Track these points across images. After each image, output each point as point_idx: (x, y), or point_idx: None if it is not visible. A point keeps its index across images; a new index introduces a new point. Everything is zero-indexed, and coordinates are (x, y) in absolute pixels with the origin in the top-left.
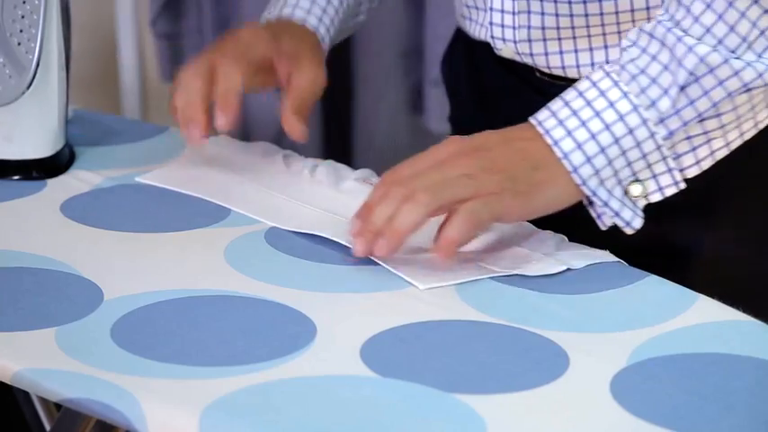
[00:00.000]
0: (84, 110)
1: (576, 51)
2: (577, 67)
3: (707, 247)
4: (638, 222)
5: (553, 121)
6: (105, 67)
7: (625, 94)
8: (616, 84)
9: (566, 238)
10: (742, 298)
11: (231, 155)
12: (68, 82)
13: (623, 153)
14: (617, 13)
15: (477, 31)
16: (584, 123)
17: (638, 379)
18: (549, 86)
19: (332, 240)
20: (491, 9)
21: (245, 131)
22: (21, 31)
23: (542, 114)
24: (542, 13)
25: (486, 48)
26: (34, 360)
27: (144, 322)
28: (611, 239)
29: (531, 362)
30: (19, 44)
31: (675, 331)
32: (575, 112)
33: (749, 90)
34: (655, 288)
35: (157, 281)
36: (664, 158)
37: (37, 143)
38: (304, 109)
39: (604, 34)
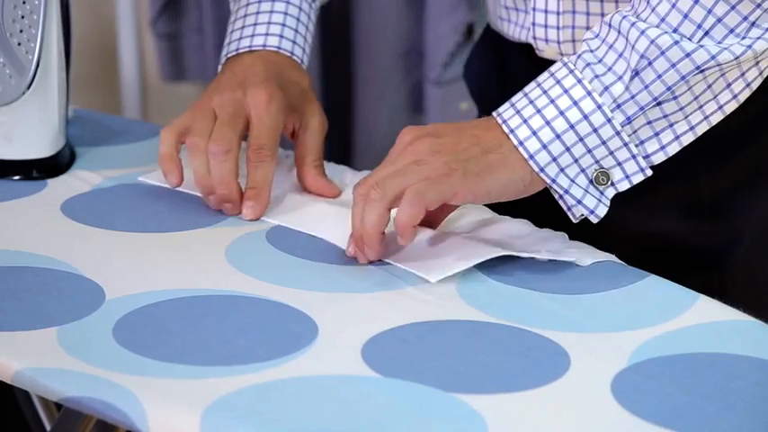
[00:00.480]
0: (84, 110)
1: None
2: None
3: (708, 250)
4: (602, 210)
5: (511, 112)
6: (105, 67)
7: (579, 81)
8: (571, 72)
9: (566, 236)
10: (748, 302)
11: None
12: (68, 82)
13: (581, 140)
14: None
15: (518, 33)
16: (539, 111)
17: (639, 379)
18: None
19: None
20: (534, 9)
21: None
22: (21, 31)
23: (503, 107)
24: (587, 13)
25: (519, 49)
26: (35, 359)
27: (145, 322)
28: (613, 244)
29: (532, 362)
30: (19, 44)
31: (676, 331)
32: (531, 102)
33: (702, 71)
34: (655, 288)
35: (159, 280)
36: (625, 145)
37: (37, 143)
38: (320, 162)
39: None
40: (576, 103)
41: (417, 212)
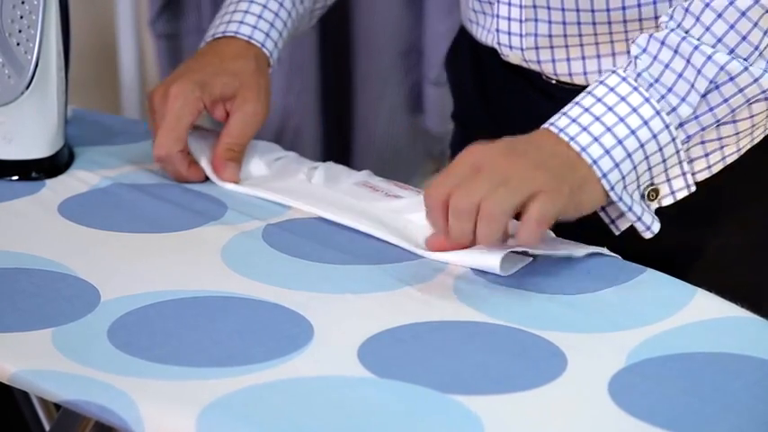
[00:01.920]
0: (84, 110)
1: (583, 59)
2: (585, 74)
3: (710, 254)
4: (656, 226)
5: (576, 128)
6: (105, 67)
7: (647, 100)
8: (636, 89)
9: (551, 232)
10: (744, 305)
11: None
12: (67, 82)
13: (646, 158)
14: (625, 21)
15: (484, 36)
16: (609, 129)
17: (637, 379)
18: (556, 89)
19: (330, 240)
20: (497, 16)
21: None
22: (20, 31)
23: (562, 121)
24: (549, 22)
25: (491, 50)
26: (31, 361)
27: (141, 323)
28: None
29: (529, 362)
30: (18, 44)
31: (674, 330)
32: (597, 118)
33: (766, 96)
34: (653, 283)
35: (154, 282)
36: (680, 162)
37: (36, 143)
38: (238, 149)
39: (612, 42)
40: (646, 122)
41: (542, 231)
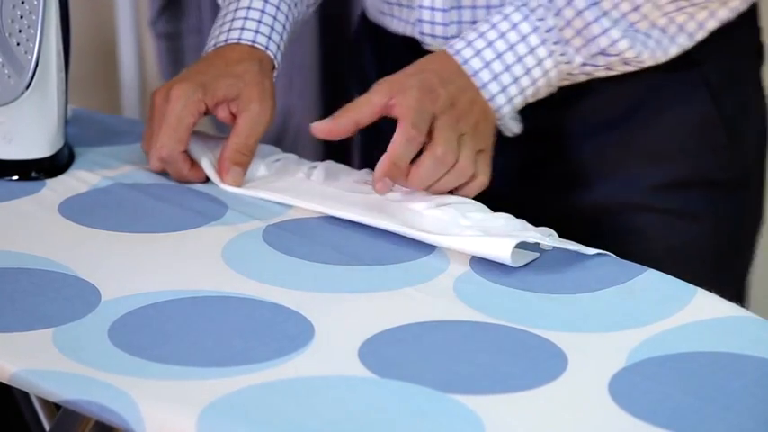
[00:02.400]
0: (84, 110)
1: None
2: None
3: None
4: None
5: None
6: (105, 67)
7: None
8: (526, 18)
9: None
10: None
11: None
12: (68, 82)
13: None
14: None
15: (402, 28)
16: (499, 55)
17: (637, 379)
18: None
19: (330, 240)
20: (420, 7)
21: None
22: (20, 31)
23: (458, 44)
24: (473, 7)
25: (401, 42)
26: (31, 361)
27: (141, 323)
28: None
29: (529, 362)
30: (18, 44)
31: (674, 329)
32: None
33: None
34: (653, 284)
35: (155, 281)
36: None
37: (36, 143)
38: (247, 152)
39: None
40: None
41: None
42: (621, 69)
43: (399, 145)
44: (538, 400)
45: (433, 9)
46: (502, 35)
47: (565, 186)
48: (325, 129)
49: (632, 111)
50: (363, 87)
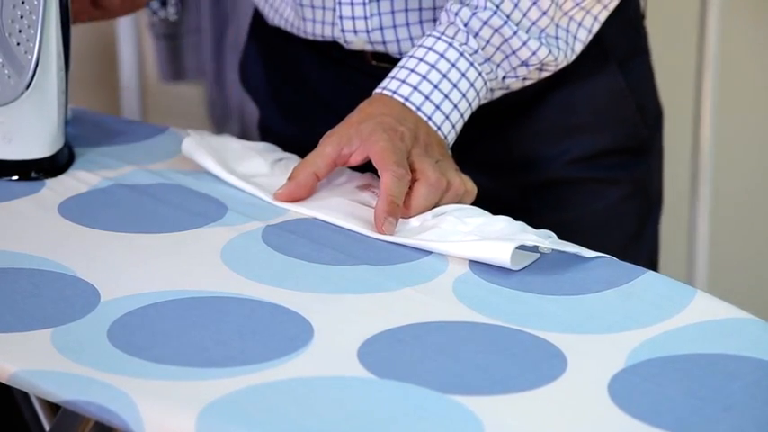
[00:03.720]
0: (84, 110)
1: (411, 38)
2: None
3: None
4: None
5: (407, 88)
6: (105, 68)
7: (461, 54)
8: (450, 45)
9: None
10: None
11: (233, 153)
12: (68, 82)
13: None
14: None
15: (320, 30)
16: (435, 86)
17: (636, 380)
18: (377, 69)
19: (329, 241)
20: (340, 3)
21: (243, 131)
22: (20, 31)
23: (393, 84)
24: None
25: (309, 47)
26: (31, 361)
27: (140, 323)
28: None
29: (529, 363)
30: (18, 44)
31: (673, 331)
32: (423, 77)
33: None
34: (652, 285)
35: (154, 282)
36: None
37: (36, 143)
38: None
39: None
40: (463, 74)
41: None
42: (536, 77)
43: (392, 184)
44: (537, 401)
45: (352, 4)
46: (432, 66)
47: (493, 169)
48: (287, 193)
49: (547, 90)
50: (263, 96)
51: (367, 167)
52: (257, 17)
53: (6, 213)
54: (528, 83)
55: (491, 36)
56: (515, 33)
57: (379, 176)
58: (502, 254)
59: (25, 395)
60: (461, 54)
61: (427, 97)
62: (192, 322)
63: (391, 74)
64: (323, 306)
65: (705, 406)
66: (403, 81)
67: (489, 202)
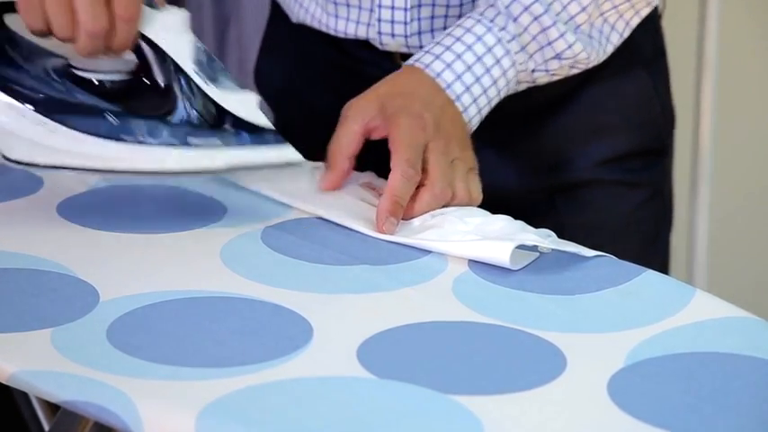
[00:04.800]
0: None
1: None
2: None
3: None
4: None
5: (440, 64)
6: None
7: (499, 40)
8: (490, 30)
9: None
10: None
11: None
12: None
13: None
14: None
15: (353, 30)
16: (468, 67)
17: (636, 380)
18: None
19: (329, 241)
20: (380, 7)
21: None
22: None
23: (448, 75)
24: (433, 5)
25: (328, 41)
26: (30, 362)
27: (140, 323)
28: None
29: (528, 363)
30: None
31: (673, 330)
32: (459, 56)
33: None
34: (652, 284)
35: (154, 282)
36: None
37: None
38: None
39: None
40: (498, 60)
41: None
42: (564, 74)
43: (399, 184)
44: (537, 401)
45: (393, 8)
46: (469, 47)
47: (522, 169)
48: (329, 181)
49: (578, 87)
50: (282, 92)
51: (367, 164)
52: (275, 19)
53: (5, 213)
54: (555, 78)
55: (530, 23)
56: (554, 24)
57: (379, 175)
58: (501, 253)
59: (25, 395)
60: (499, 40)
61: (459, 77)
62: (191, 322)
63: (426, 48)
64: (322, 306)
65: (704, 405)
66: (437, 56)
67: (516, 202)
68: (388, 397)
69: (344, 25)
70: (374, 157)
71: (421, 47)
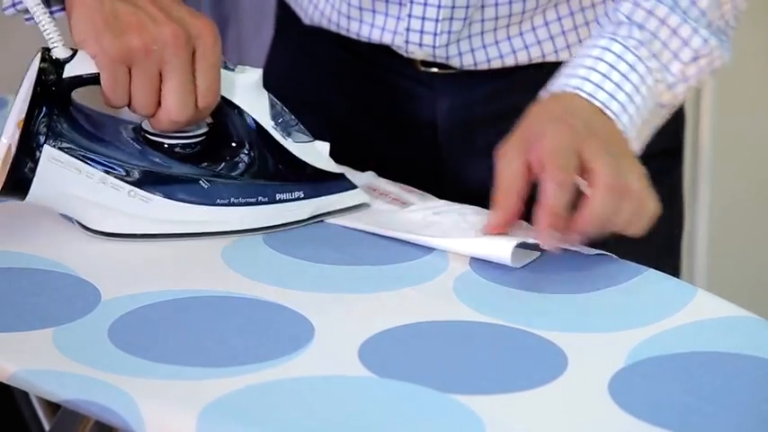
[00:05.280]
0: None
1: (484, 47)
2: (488, 61)
3: None
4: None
5: (603, 93)
6: None
7: (639, 59)
8: (627, 48)
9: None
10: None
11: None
12: None
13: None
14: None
15: (378, 36)
16: (618, 86)
17: (637, 379)
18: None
19: (329, 241)
20: (410, 16)
21: None
22: None
23: (588, 87)
24: (465, 18)
25: (336, 43)
26: (31, 361)
27: (141, 323)
28: None
29: (529, 362)
30: None
31: (674, 329)
32: (606, 77)
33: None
34: (653, 284)
35: (155, 281)
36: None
37: None
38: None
39: (521, 22)
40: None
41: None
42: (704, 78)
43: (552, 194)
44: (538, 400)
45: (424, 19)
46: (612, 66)
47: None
48: (498, 223)
49: None
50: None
51: (367, 165)
52: (284, 20)
53: (6, 213)
54: (696, 85)
55: (657, 28)
56: (685, 21)
57: (378, 175)
58: (502, 251)
59: (25, 395)
60: (638, 58)
61: (612, 96)
62: (192, 322)
63: (564, 71)
64: (323, 306)
65: (705, 404)
66: (585, 79)
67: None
68: (390, 396)
69: (368, 31)
70: (375, 158)
71: (447, 57)
